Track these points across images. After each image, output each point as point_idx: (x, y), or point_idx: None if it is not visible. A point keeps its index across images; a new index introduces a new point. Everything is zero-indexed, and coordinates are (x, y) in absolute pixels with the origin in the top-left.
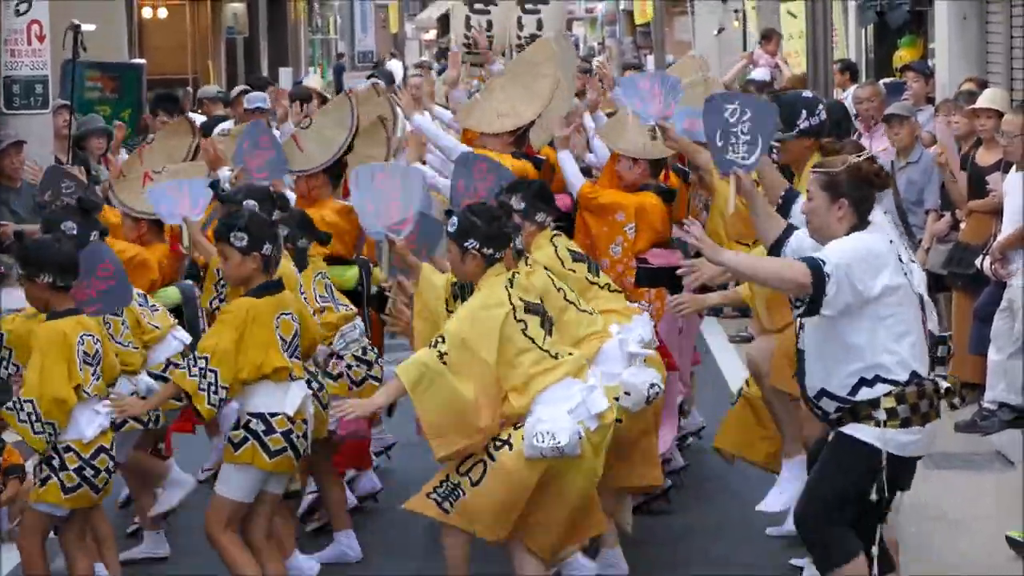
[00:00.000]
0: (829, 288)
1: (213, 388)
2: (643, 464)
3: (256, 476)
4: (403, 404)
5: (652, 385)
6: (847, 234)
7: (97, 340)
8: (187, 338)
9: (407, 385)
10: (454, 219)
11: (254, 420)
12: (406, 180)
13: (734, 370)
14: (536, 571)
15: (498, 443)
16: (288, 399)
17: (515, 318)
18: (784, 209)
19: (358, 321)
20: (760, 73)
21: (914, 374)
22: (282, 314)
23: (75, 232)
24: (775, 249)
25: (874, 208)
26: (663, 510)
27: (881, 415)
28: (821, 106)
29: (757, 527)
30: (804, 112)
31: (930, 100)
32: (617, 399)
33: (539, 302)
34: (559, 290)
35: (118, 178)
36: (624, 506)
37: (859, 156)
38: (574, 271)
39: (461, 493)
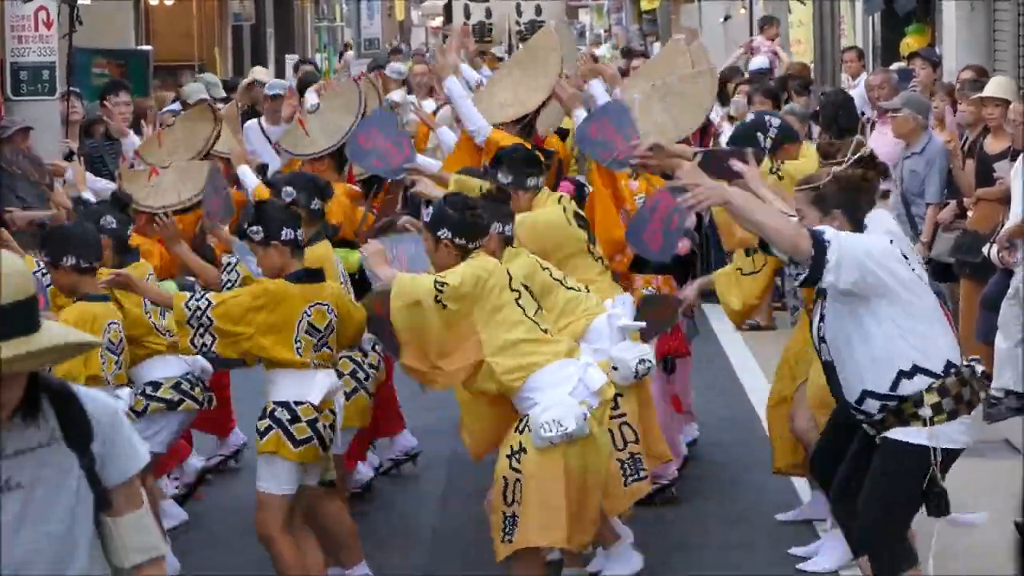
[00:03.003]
0: (830, 254)
1: (200, 331)
2: (649, 443)
3: (284, 466)
4: (413, 399)
5: (641, 360)
6: None
7: (122, 328)
8: (200, 362)
9: (395, 285)
10: (429, 209)
11: (279, 408)
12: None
13: (740, 359)
14: (529, 571)
15: (516, 456)
16: (315, 387)
17: (511, 287)
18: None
19: None
20: (758, 61)
21: (949, 363)
22: (316, 303)
23: (114, 226)
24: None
25: (873, 206)
26: (669, 500)
27: (927, 412)
28: (769, 118)
29: (765, 516)
30: (759, 134)
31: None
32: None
33: (528, 284)
34: (545, 269)
35: (132, 164)
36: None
37: (855, 155)
38: (575, 234)
39: (516, 518)
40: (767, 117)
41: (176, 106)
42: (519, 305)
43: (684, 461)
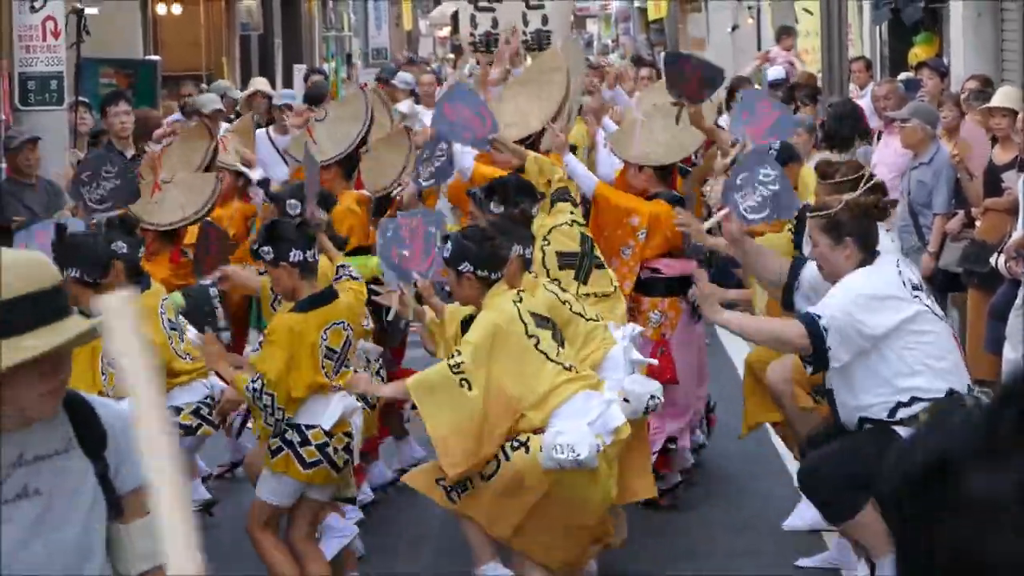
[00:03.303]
0: (830, 341)
1: (269, 411)
2: (636, 476)
3: (292, 484)
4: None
5: (652, 397)
6: (856, 269)
7: None
8: (218, 385)
9: (410, 389)
10: (448, 244)
11: (290, 431)
12: (427, 226)
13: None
14: (476, 538)
15: (515, 444)
16: (327, 413)
17: (527, 334)
18: (793, 274)
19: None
20: (775, 72)
21: (950, 391)
22: (332, 324)
23: (126, 251)
24: (787, 293)
25: (880, 234)
26: (674, 505)
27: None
28: (769, 140)
29: (770, 521)
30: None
31: (943, 97)
32: None
33: (548, 316)
34: (564, 303)
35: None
36: (620, 520)
37: (855, 176)
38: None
39: (470, 486)
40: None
41: (177, 115)
42: (540, 351)
43: (690, 469)
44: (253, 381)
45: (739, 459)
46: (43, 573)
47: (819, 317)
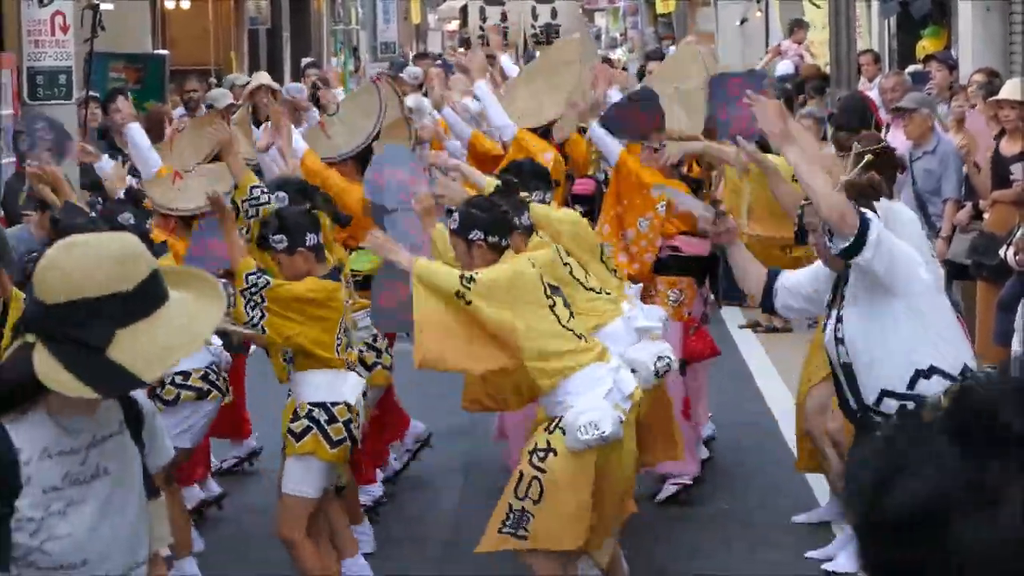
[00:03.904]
0: (872, 233)
1: (251, 305)
2: (663, 442)
3: (319, 468)
4: (428, 404)
5: (660, 358)
6: None
7: None
8: (218, 350)
9: (416, 270)
10: (455, 216)
11: (316, 409)
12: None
13: (757, 361)
14: (550, 570)
15: (541, 453)
16: (348, 388)
17: (546, 294)
18: (771, 279)
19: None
20: (784, 67)
21: (965, 367)
22: (345, 301)
23: (132, 222)
24: (766, 297)
25: (901, 213)
26: (687, 501)
27: None
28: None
29: (781, 517)
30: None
31: (953, 90)
32: None
33: (557, 286)
34: (565, 264)
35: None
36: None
37: (872, 147)
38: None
39: (530, 516)
40: None
41: (181, 110)
42: (555, 313)
43: (705, 461)
44: (257, 276)
45: (747, 452)
46: (111, 552)
47: (866, 212)
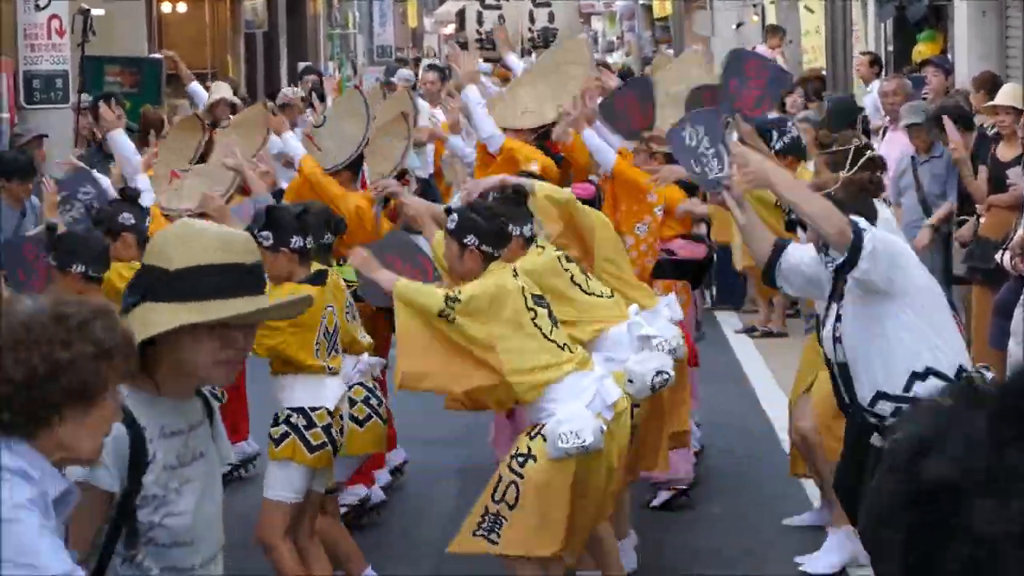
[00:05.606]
0: (867, 242)
1: None
2: (648, 453)
3: (300, 472)
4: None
5: (658, 373)
6: None
7: None
8: None
9: (396, 289)
10: (454, 216)
11: (294, 414)
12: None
13: (752, 366)
14: (532, 572)
15: (520, 459)
16: (328, 393)
17: (526, 307)
18: (776, 253)
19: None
20: None
21: (960, 368)
22: (328, 306)
23: (133, 222)
24: (770, 270)
25: (879, 212)
26: (684, 505)
27: None
28: (790, 123)
29: (773, 521)
30: (776, 133)
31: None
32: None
33: (542, 296)
34: (566, 271)
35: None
36: (622, 514)
37: (856, 145)
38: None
39: (504, 520)
40: (791, 122)
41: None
42: (536, 325)
43: (697, 458)
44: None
45: (741, 456)
46: (207, 534)
47: (859, 221)
